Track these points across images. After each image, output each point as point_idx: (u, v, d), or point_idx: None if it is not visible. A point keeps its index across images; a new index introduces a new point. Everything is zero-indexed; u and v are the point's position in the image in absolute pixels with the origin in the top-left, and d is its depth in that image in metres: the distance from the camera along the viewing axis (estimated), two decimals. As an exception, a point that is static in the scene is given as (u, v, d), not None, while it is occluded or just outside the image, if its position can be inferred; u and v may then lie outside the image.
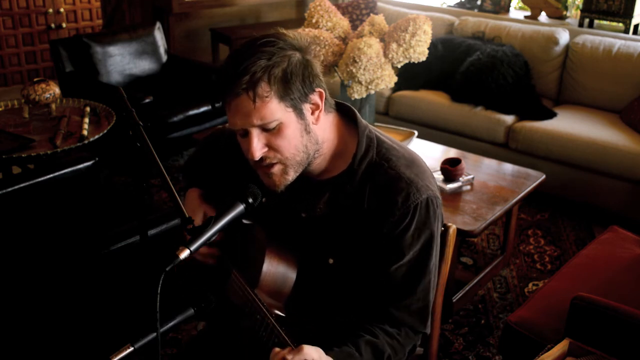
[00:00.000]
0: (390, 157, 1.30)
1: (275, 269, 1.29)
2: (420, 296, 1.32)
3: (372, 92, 2.64)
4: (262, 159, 1.23)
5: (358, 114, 1.35)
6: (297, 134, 1.22)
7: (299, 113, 1.22)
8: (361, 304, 1.34)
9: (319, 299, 1.37)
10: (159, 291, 1.09)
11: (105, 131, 2.97)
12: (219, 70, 1.22)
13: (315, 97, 1.24)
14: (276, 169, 1.25)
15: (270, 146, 1.22)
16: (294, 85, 1.19)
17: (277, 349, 1.15)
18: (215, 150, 1.55)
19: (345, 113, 1.36)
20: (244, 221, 1.37)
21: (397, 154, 1.32)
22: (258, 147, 1.21)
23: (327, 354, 1.20)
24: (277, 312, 1.28)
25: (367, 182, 1.29)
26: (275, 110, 1.18)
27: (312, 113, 1.25)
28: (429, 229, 1.29)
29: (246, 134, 1.22)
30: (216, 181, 1.51)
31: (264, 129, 1.20)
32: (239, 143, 1.26)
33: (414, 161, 1.33)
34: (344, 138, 1.33)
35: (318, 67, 1.26)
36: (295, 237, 1.35)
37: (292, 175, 1.27)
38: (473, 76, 3.86)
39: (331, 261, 1.32)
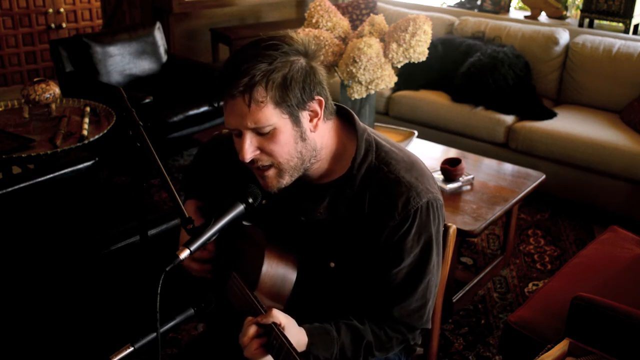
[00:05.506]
0: (389, 160, 1.30)
1: (275, 270, 1.28)
2: (419, 296, 1.33)
3: (372, 92, 2.64)
4: (254, 161, 1.23)
5: (357, 118, 1.34)
6: (291, 141, 1.21)
7: (295, 120, 1.21)
8: (361, 305, 1.34)
9: (321, 302, 1.37)
10: (159, 291, 1.09)
11: (105, 131, 2.97)
12: (220, 68, 1.22)
13: (314, 105, 1.23)
14: (270, 172, 1.24)
15: (262, 150, 1.22)
16: (293, 92, 1.18)
17: (250, 317, 1.19)
18: (215, 155, 1.54)
19: (344, 116, 1.35)
20: (244, 222, 1.37)
21: (396, 157, 1.31)
22: (250, 149, 1.21)
23: (303, 326, 1.23)
24: None
25: (367, 187, 1.28)
26: (270, 115, 1.17)
27: (311, 120, 1.24)
28: (428, 232, 1.29)
29: (240, 134, 1.21)
30: (216, 187, 1.51)
31: (258, 132, 1.20)
32: (234, 142, 1.26)
33: (413, 164, 1.32)
34: (343, 142, 1.32)
35: (322, 75, 1.24)
36: (295, 240, 1.34)
37: (287, 180, 1.26)
38: (474, 76, 3.86)
39: (332, 265, 1.32)
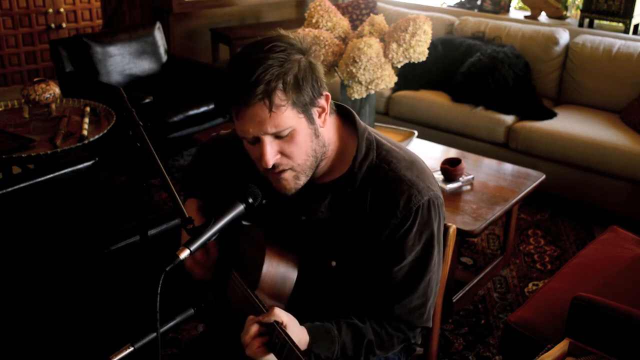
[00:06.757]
0: (390, 159, 1.30)
1: (275, 270, 1.28)
2: (420, 294, 1.33)
3: (372, 92, 2.64)
4: (274, 166, 1.22)
5: (357, 116, 1.35)
6: (307, 140, 1.22)
7: (309, 118, 1.21)
8: (362, 303, 1.34)
9: (322, 301, 1.37)
10: (159, 291, 1.09)
11: (105, 131, 2.97)
12: (223, 78, 1.20)
13: (322, 101, 1.24)
14: (287, 174, 1.24)
15: (282, 153, 1.21)
16: (305, 90, 1.18)
17: (252, 316, 1.19)
18: (214, 156, 1.54)
19: (345, 115, 1.36)
20: (244, 222, 1.37)
21: (397, 155, 1.32)
22: (271, 155, 1.20)
23: (304, 325, 1.23)
24: None
25: (368, 185, 1.29)
26: (289, 117, 1.17)
27: (320, 116, 1.25)
28: (430, 230, 1.30)
29: (256, 141, 1.21)
30: (214, 189, 1.51)
31: (277, 136, 1.19)
32: (248, 150, 1.25)
33: (414, 162, 1.33)
34: (344, 140, 1.33)
35: (321, 70, 1.25)
36: (296, 240, 1.35)
37: (303, 180, 1.27)
38: (474, 76, 3.86)
39: (334, 263, 1.32)
